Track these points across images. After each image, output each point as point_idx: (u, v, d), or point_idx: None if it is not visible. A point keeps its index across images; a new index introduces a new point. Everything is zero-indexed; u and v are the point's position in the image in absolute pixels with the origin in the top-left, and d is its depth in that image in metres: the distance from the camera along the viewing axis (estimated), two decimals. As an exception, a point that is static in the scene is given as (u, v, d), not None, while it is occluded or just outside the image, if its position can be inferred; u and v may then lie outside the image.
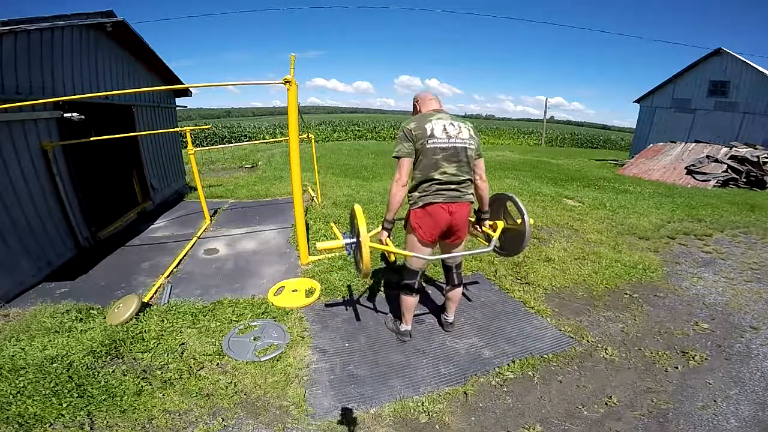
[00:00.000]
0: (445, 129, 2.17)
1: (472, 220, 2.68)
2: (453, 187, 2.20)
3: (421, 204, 2.23)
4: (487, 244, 2.69)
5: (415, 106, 2.45)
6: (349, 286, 3.45)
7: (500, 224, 2.60)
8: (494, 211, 2.71)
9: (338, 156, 14.68)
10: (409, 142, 2.16)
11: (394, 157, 2.20)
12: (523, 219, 2.44)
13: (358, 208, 2.22)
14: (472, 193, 2.31)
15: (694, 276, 3.78)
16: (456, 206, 2.23)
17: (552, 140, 33.96)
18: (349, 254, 2.43)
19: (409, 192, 2.28)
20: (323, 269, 3.78)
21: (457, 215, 2.25)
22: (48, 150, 3.94)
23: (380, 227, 2.38)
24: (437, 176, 2.16)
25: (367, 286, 3.49)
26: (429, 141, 2.14)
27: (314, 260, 3.99)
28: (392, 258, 2.40)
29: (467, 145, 2.21)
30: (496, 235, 2.55)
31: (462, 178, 2.21)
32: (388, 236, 2.35)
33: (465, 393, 2.23)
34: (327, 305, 3.21)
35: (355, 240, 2.29)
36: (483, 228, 2.65)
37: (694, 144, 12.14)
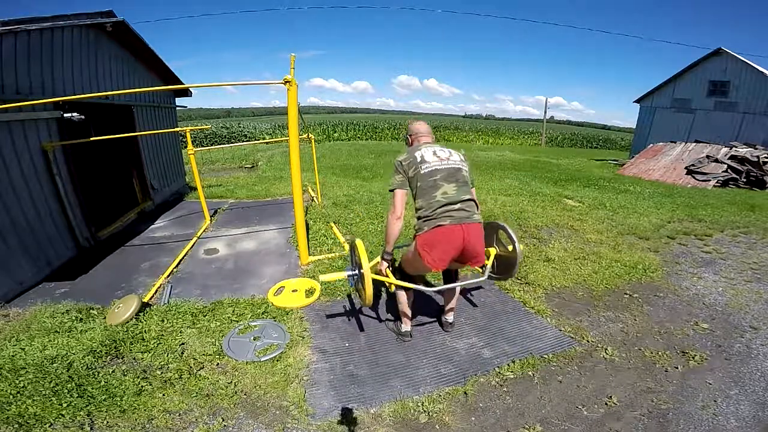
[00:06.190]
0: (435, 153, 2.24)
1: None
2: (458, 206, 2.14)
3: (428, 228, 2.13)
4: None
5: (407, 139, 2.53)
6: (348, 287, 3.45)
7: (492, 251, 2.64)
8: (486, 237, 2.67)
9: (338, 156, 14.69)
10: (401, 174, 2.24)
11: (390, 190, 2.28)
12: (514, 247, 2.49)
13: (359, 242, 2.33)
14: (480, 213, 2.29)
15: (694, 276, 3.78)
16: (468, 227, 2.14)
17: (552, 140, 33.95)
18: (352, 285, 2.59)
19: (416, 219, 2.26)
20: (323, 269, 3.78)
21: (472, 237, 2.15)
22: (48, 150, 3.94)
23: (379, 257, 2.45)
24: (439, 197, 2.15)
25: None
26: (422, 166, 2.19)
27: (314, 260, 3.99)
28: (392, 288, 2.53)
29: (461, 166, 2.26)
30: (489, 263, 2.59)
31: (464, 197, 2.17)
32: (389, 267, 2.40)
33: (465, 393, 2.23)
34: (327, 305, 3.21)
35: (357, 272, 2.42)
36: None
37: (694, 144, 12.14)
